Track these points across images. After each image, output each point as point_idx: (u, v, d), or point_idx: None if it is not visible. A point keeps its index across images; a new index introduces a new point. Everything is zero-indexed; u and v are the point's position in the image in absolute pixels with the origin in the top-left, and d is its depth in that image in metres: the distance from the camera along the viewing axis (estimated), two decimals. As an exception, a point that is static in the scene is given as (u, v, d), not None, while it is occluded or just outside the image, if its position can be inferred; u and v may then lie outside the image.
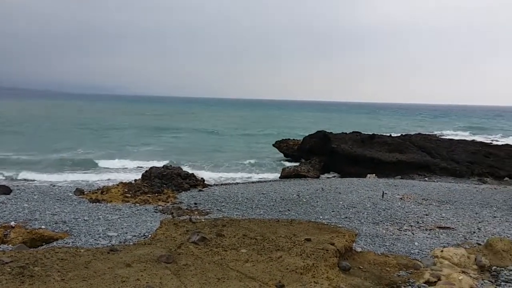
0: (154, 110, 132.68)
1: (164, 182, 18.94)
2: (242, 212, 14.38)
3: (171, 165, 21.00)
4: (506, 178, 28.47)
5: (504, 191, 19.69)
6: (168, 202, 16.37)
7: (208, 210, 14.73)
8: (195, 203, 15.85)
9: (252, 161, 37.33)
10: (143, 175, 19.98)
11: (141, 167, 29.06)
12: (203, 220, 10.24)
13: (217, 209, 14.82)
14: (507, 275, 8.76)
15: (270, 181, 24.74)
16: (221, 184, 22.05)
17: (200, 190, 18.75)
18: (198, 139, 52.91)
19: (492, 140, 58.89)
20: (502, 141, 57.22)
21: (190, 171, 21.55)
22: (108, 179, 24.57)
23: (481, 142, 49.43)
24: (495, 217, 14.56)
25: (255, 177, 29.08)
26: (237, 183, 23.14)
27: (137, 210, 14.76)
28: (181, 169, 20.74)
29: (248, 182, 23.85)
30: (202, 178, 20.96)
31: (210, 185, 20.69)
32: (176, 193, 17.93)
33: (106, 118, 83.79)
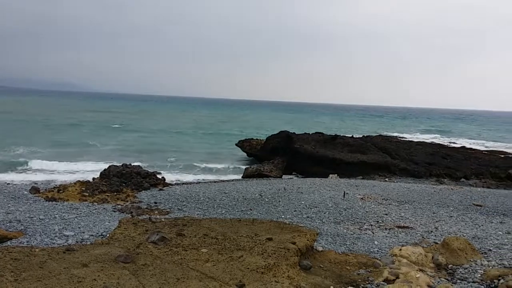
0: (108, 107, 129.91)
1: (123, 181, 18.55)
2: (204, 211, 14.21)
3: (130, 164, 20.59)
4: (463, 179, 29.25)
5: (460, 192, 20.19)
6: (127, 201, 16.04)
7: (168, 210, 14.48)
8: (155, 202, 15.58)
9: (214, 160, 37.15)
10: (101, 173, 19.53)
11: (99, 166, 28.43)
12: (163, 220, 10.10)
13: (178, 209, 14.60)
14: (463, 273, 8.93)
15: (232, 180, 24.61)
16: (182, 184, 21.77)
17: (160, 189, 18.45)
18: (158, 138, 52.19)
19: (449, 142, 60.59)
20: (459, 143, 58.96)
21: (151, 170, 21.20)
22: (65, 179, 23.84)
23: (439, 144, 50.89)
24: (451, 216, 14.88)
25: (217, 176, 28.91)
26: (199, 183, 22.91)
27: (95, 209, 14.40)
28: (141, 167, 20.37)
29: (210, 182, 23.65)
30: (162, 177, 20.65)
31: (171, 184, 20.39)
32: (135, 192, 17.58)
33: (61, 115, 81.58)
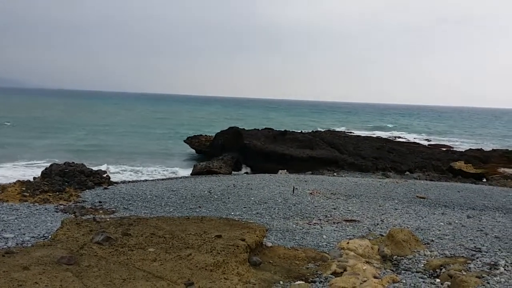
0: (44, 104, 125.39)
1: (66, 180, 17.91)
2: (151, 210, 13.92)
3: (73, 162, 19.90)
4: (407, 172, 30.19)
5: (405, 185, 20.78)
6: (70, 201, 15.49)
7: (113, 209, 14.09)
8: (100, 202, 15.13)
9: (162, 157, 36.68)
10: (43, 172, 18.79)
11: (39, 165, 27.50)
12: (108, 219, 9.83)
13: (124, 208, 14.23)
14: (407, 264, 9.16)
15: (180, 178, 24.33)
16: (128, 182, 21.24)
17: (105, 188, 17.94)
18: (102, 135, 50.95)
19: (395, 137, 62.47)
20: (404, 138, 60.89)
21: (95, 169, 20.59)
22: (3, 179, 22.75)
23: (385, 139, 52.34)
24: (396, 209, 15.27)
25: (165, 174, 28.54)
26: (146, 181, 22.47)
27: (36, 209, 13.82)
28: (85, 166, 19.72)
29: (157, 179, 23.26)
30: (107, 176, 20.09)
31: (116, 183, 19.87)
32: (79, 191, 17.00)
33: None
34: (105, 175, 19.88)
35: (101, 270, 6.51)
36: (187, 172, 28.99)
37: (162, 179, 23.34)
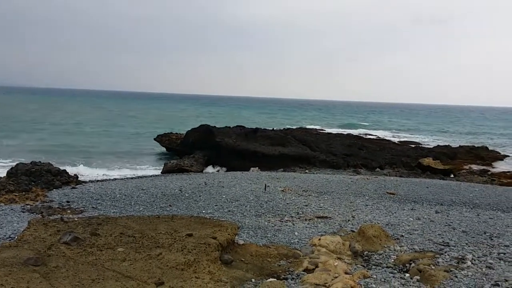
0: (7, 102, 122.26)
1: (32, 180, 17.49)
2: (120, 209, 13.68)
3: (40, 161, 19.44)
4: (377, 169, 30.58)
5: (375, 181, 21.01)
6: (37, 200, 15.12)
7: (82, 208, 13.81)
8: (68, 201, 14.81)
9: (131, 156, 36.25)
10: (8, 172, 18.32)
11: (4, 164, 26.84)
12: (76, 219, 9.63)
13: (92, 207, 13.96)
14: (377, 259, 9.27)
15: (150, 176, 24.02)
16: (97, 181, 20.85)
17: (73, 188, 17.57)
18: (69, 134, 49.96)
19: (366, 134, 63.22)
20: (374, 135, 61.68)
21: (62, 168, 20.14)
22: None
23: (356, 136, 52.95)
24: (367, 205, 15.42)
25: (135, 172, 28.19)
26: (115, 179, 22.09)
27: (2, 210, 13.44)
28: (52, 165, 19.28)
29: (126, 178, 22.89)
30: (75, 175, 19.70)
31: (85, 182, 19.49)
32: (46, 191, 16.60)
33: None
34: (73, 174, 19.50)
35: (69, 270, 6.42)
36: (158, 170, 28.73)
37: (132, 178, 23.00)
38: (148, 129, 58.44)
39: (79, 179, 19.57)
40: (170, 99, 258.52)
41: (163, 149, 38.25)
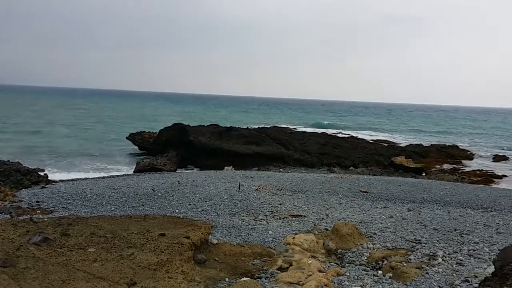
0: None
1: (1, 179, 17.04)
2: (91, 209, 13.43)
3: (9, 161, 18.98)
4: (351, 168, 30.86)
5: (349, 180, 21.18)
6: (5, 200, 14.71)
7: (52, 209, 13.50)
8: (37, 201, 14.47)
9: (103, 154, 35.71)
10: (-24, 172, 17.84)
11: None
12: (46, 219, 9.43)
13: (63, 207, 13.66)
14: (350, 257, 9.33)
15: (122, 175, 23.66)
16: (68, 180, 20.40)
17: (43, 187, 17.18)
18: (37, 132, 48.82)
19: (339, 133, 63.73)
20: (347, 134, 62.21)
21: (32, 167, 19.70)
22: None
23: (330, 135, 53.32)
24: (341, 203, 15.53)
25: (106, 171, 27.76)
26: (86, 179, 21.65)
27: (-31, 211, 13.05)
28: (21, 164, 18.87)
29: (98, 177, 22.49)
30: (45, 174, 19.27)
31: (55, 182, 19.06)
32: (15, 190, 16.19)
33: None
34: (42, 174, 19.08)
35: (39, 271, 6.27)
36: (130, 169, 28.38)
37: (103, 177, 22.62)
38: (120, 127, 57.72)
39: (49, 178, 19.15)
40: (140, 96, 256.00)
41: (136, 148, 37.81)
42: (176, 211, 13.33)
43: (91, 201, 14.56)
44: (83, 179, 21.70)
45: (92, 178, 21.93)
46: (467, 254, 9.33)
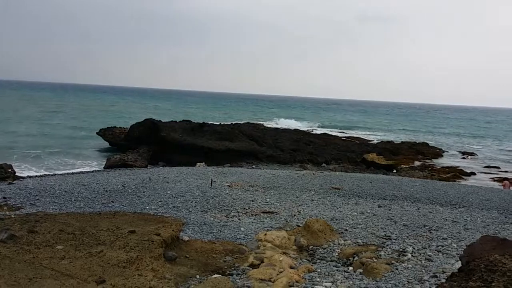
0: None
1: (-35, 175, 16.63)
2: (60, 205, 13.14)
3: (-27, 156, 18.50)
4: (324, 164, 31.11)
5: (321, 176, 21.31)
6: (-30, 197, 14.35)
7: (19, 205, 13.17)
8: (4, 198, 14.09)
9: (72, 150, 35.13)
10: None
11: None
12: (12, 216, 9.22)
13: (30, 204, 13.34)
14: (322, 253, 9.38)
15: (92, 171, 23.34)
16: (36, 176, 20.00)
17: (10, 183, 16.76)
18: (6, 128, 47.65)
19: (312, 129, 64.20)
20: (320, 130, 62.70)
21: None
22: None
23: (302, 131, 53.66)
24: (313, 200, 15.60)
25: (75, 168, 27.33)
26: (54, 175, 21.24)
27: None
28: (-14, 160, 18.40)
29: (67, 174, 22.10)
30: (12, 170, 18.84)
31: (23, 178, 18.68)
32: (-20, 187, 15.80)
33: None
34: (9, 170, 18.62)
35: (5, 270, 6.07)
36: (100, 165, 27.99)
37: (73, 173, 22.24)
38: (89, 123, 56.81)
39: (16, 174, 18.72)
40: (108, 91, 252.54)
41: (106, 144, 37.32)
42: (147, 207, 13.17)
43: (60, 197, 14.27)
44: (51, 175, 21.29)
45: (61, 174, 21.53)
46: (435, 250, 9.49)
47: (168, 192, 15.60)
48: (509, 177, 29.90)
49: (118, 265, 6.64)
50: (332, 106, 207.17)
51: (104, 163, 27.40)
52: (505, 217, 14.35)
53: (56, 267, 6.37)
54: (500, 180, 29.67)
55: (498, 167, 37.15)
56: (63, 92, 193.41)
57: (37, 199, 13.90)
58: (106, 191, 15.42)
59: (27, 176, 20.04)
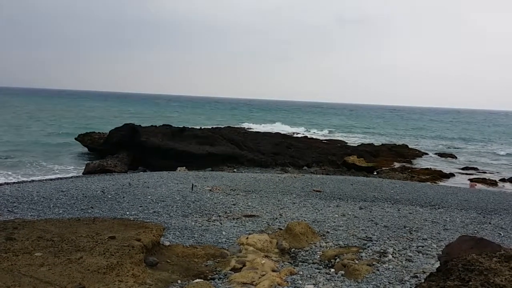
0: None
1: None
2: (38, 212, 12.92)
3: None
4: (305, 167, 31.19)
5: (302, 179, 21.37)
6: None
7: (-4, 212, 12.95)
8: (-19, 205, 13.85)
9: (50, 156, 34.62)
10: None
11: None
12: (-11, 224, 9.02)
13: (8, 210, 13.10)
14: (304, 256, 9.40)
15: (71, 177, 23.00)
16: (13, 183, 19.67)
17: (-13, 190, 16.48)
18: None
19: (293, 133, 64.43)
20: (301, 134, 62.96)
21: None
22: None
23: (283, 135, 53.82)
24: (294, 203, 15.62)
25: (54, 173, 26.94)
26: (32, 181, 20.89)
27: None
28: (-37, 166, 18.04)
29: (45, 180, 21.76)
30: (-11, 177, 18.54)
31: (0, 184, 18.36)
32: (-45, 194, 15.45)
33: None
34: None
35: (-18, 278, 5.98)
36: (79, 171, 27.64)
37: (51, 179, 21.89)
38: (67, 128, 56.11)
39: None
40: (85, 96, 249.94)
41: (85, 149, 36.90)
42: (127, 213, 13.03)
43: (38, 204, 14.04)
44: (29, 181, 20.93)
45: (39, 180, 21.19)
46: (416, 251, 9.59)
47: (149, 197, 15.47)
48: (474, 179, 30.94)
49: (98, 271, 6.55)
50: (313, 109, 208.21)
51: (83, 168, 27.06)
52: (483, 217, 14.58)
53: (35, 274, 6.27)
54: (473, 180, 30.40)
55: (476, 168, 37.72)
56: (40, 98, 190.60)
57: (15, 206, 13.65)
58: (85, 197, 15.22)
59: (4, 182, 19.69)
